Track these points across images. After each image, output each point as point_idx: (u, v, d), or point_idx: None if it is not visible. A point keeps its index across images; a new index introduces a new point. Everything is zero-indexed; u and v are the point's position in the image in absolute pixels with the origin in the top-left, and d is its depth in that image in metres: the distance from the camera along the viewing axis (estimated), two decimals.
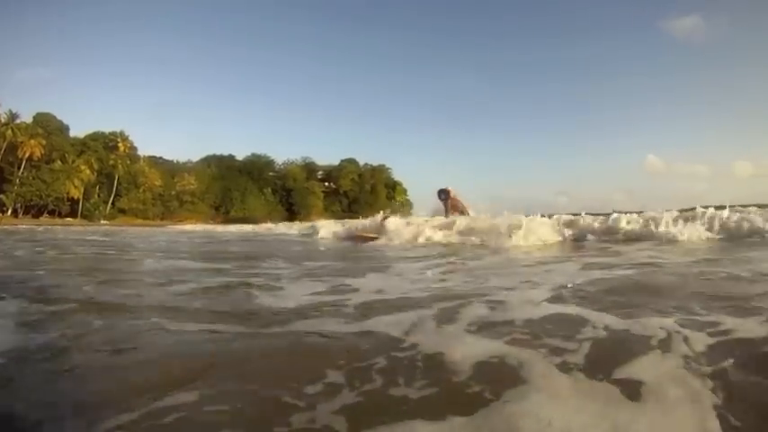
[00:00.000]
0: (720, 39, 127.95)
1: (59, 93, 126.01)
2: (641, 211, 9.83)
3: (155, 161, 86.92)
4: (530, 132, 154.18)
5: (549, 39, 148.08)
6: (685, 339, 1.83)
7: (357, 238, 11.61)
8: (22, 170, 66.38)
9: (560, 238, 8.86)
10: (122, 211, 76.48)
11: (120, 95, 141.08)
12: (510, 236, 8.52)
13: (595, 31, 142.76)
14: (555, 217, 10.53)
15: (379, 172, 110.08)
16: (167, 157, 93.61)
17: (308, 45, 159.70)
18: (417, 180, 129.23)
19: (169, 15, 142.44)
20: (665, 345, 1.78)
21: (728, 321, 2.08)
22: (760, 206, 10.48)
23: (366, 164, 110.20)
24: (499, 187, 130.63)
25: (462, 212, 12.91)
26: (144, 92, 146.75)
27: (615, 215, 9.40)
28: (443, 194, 13.33)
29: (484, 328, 2.10)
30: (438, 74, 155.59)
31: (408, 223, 11.46)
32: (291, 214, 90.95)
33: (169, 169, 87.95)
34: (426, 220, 12.06)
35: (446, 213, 12.87)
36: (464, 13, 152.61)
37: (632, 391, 1.37)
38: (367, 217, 13.79)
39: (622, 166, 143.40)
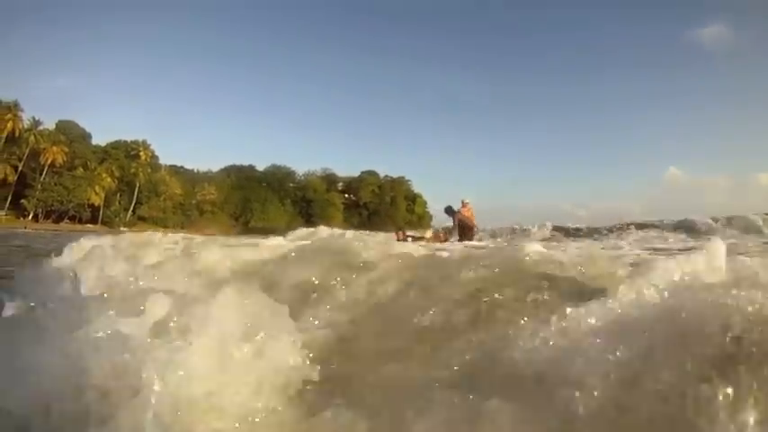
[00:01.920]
0: (745, 48, 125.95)
1: (82, 101, 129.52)
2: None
3: (175, 170, 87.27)
4: (549, 146, 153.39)
5: (571, 54, 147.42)
6: None
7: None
8: (44, 176, 66.52)
9: None
10: (142, 219, 76.11)
11: (142, 104, 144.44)
12: None
13: (618, 41, 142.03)
14: None
15: (398, 184, 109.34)
16: (188, 166, 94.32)
17: (330, 57, 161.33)
18: (438, 192, 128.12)
19: (192, 26, 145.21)
20: None
21: None
22: None
23: (386, 176, 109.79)
24: (518, 199, 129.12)
25: (471, 228, 13.60)
26: (166, 101, 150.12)
27: None
28: (450, 212, 13.80)
29: None
30: (459, 88, 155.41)
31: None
32: (310, 225, 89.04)
33: (190, 179, 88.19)
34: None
35: (453, 229, 13.48)
36: (487, 27, 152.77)
37: None
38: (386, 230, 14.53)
39: (642, 178, 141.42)
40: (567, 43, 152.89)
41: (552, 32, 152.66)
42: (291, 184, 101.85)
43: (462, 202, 14.86)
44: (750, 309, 1.09)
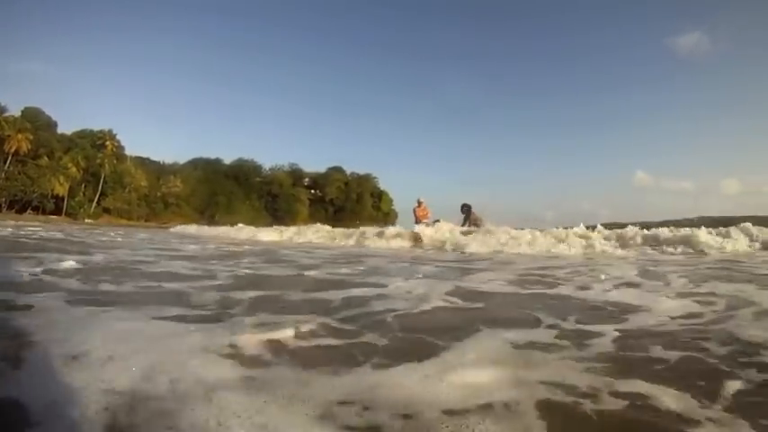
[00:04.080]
0: (717, 56, 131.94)
1: (49, 88, 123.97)
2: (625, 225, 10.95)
3: (141, 162, 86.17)
4: (519, 146, 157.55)
5: (545, 54, 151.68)
6: None
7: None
8: (7, 164, 65.32)
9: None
10: (107, 211, 75.66)
11: (110, 94, 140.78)
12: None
13: (588, 46, 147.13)
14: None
15: (365, 181, 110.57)
16: (154, 157, 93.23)
17: (296, 49, 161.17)
18: (403, 191, 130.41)
19: (160, 17, 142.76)
20: None
21: None
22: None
23: (353, 172, 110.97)
24: (485, 199, 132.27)
25: (478, 225, 14.09)
26: (133, 92, 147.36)
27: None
28: (465, 208, 14.92)
29: None
30: (428, 85, 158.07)
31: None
32: (276, 221, 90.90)
33: (155, 170, 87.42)
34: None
35: (464, 224, 14.39)
36: (458, 22, 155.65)
37: None
38: (351, 226, 15.25)
39: (611, 181, 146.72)
40: (537, 48, 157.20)
41: (521, 37, 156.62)
42: (258, 179, 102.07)
43: (418, 201, 16.49)
44: None
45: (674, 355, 1.75)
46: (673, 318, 2.43)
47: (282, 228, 21.39)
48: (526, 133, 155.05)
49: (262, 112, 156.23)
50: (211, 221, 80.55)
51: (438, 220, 14.73)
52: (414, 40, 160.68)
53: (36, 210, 68.66)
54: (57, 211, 69.61)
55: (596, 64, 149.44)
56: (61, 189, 69.45)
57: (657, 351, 1.79)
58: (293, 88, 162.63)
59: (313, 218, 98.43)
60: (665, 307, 2.73)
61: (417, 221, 15.73)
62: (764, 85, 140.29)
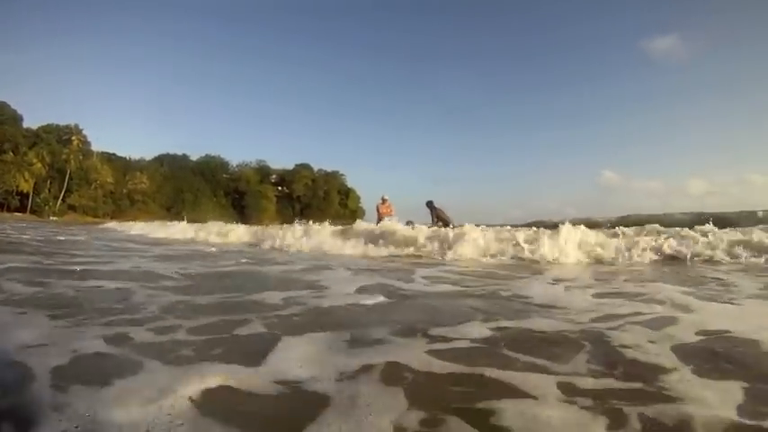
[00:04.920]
0: (689, 59, 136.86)
1: (14, 81, 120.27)
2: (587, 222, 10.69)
3: (107, 157, 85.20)
4: (486, 144, 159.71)
5: (515, 52, 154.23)
6: None
7: None
8: None
9: None
10: (72, 208, 75.18)
11: (77, 88, 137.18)
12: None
13: (563, 46, 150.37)
14: None
15: (332, 178, 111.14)
16: (120, 153, 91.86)
17: (263, 47, 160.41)
18: (373, 189, 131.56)
19: (125, 10, 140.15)
20: None
21: None
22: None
23: (320, 169, 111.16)
24: (456, 197, 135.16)
25: (446, 222, 14.30)
26: (99, 86, 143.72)
27: None
28: (429, 204, 15.29)
29: None
30: (399, 84, 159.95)
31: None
32: (243, 218, 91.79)
33: (122, 166, 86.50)
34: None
35: (432, 221, 14.66)
36: (429, 20, 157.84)
37: None
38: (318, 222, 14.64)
39: (578, 180, 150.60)
40: (505, 44, 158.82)
41: (493, 35, 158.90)
42: (225, 175, 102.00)
43: (382, 198, 16.36)
44: None
45: None
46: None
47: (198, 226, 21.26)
48: (496, 132, 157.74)
49: (228, 108, 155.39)
50: (178, 219, 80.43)
51: (411, 222, 14.48)
52: (385, 40, 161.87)
53: (0, 207, 68.12)
54: (21, 208, 69.01)
55: (568, 62, 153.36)
56: (26, 185, 68.97)
57: None
58: (260, 84, 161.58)
59: (280, 215, 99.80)
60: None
61: (380, 219, 15.69)
62: (731, 89, 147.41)
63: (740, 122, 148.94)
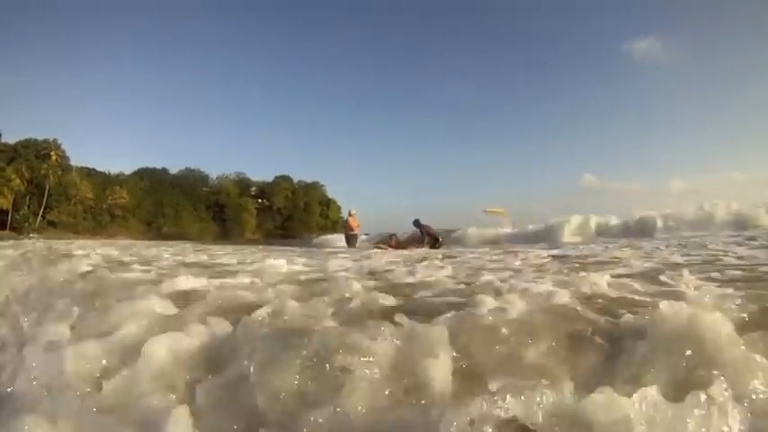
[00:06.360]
0: (668, 62, 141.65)
1: None
2: None
3: (87, 172, 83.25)
4: (471, 156, 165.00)
5: (494, 64, 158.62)
6: None
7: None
8: None
9: None
10: (52, 224, 73.01)
11: (54, 103, 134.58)
12: None
13: (538, 48, 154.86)
14: None
15: (312, 189, 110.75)
16: (100, 168, 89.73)
17: (241, 59, 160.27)
18: (351, 199, 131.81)
19: (102, 25, 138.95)
20: None
21: None
22: None
23: (300, 181, 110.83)
24: (438, 207, 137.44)
25: (435, 237, 15.04)
26: (77, 101, 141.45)
27: None
28: (416, 222, 15.62)
29: None
30: (376, 97, 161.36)
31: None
32: (224, 231, 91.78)
33: (101, 181, 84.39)
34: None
35: (422, 238, 15.13)
36: (400, 29, 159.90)
37: None
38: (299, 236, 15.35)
39: (560, 183, 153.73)
40: (485, 49, 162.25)
41: (473, 49, 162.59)
42: (205, 189, 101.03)
43: (349, 213, 17.38)
44: None
45: None
46: None
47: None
48: (478, 144, 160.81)
49: (207, 120, 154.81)
50: (158, 234, 79.87)
51: (394, 235, 15.53)
52: (364, 55, 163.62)
53: None
54: (1, 225, 66.81)
55: (550, 70, 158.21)
56: (5, 202, 67.22)
57: None
58: (239, 97, 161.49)
59: (261, 228, 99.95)
60: None
61: (350, 230, 16.64)
62: (709, 91, 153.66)
63: (721, 121, 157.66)
